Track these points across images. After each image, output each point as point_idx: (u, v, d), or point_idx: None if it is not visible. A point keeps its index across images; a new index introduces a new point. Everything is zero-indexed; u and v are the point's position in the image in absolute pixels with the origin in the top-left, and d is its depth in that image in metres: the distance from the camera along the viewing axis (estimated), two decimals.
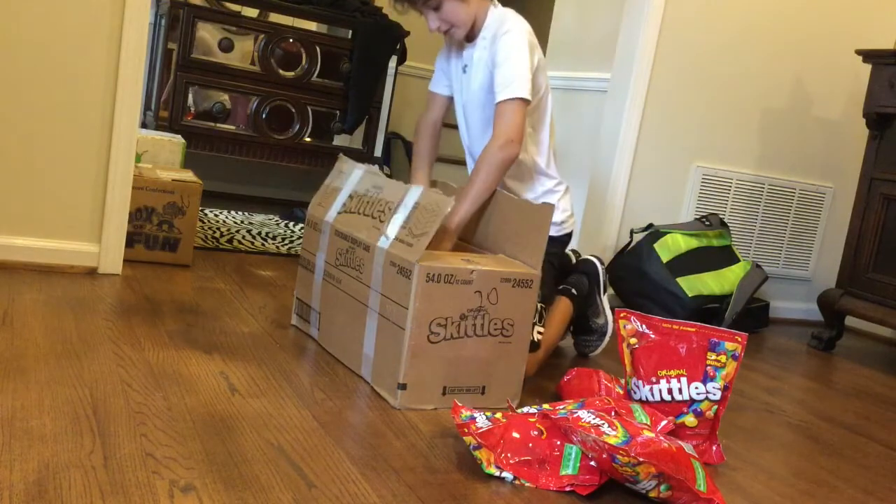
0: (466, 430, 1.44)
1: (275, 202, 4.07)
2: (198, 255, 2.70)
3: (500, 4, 2.11)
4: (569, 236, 2.23)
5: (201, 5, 3.56)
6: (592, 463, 1.42)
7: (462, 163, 2.32)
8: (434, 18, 2.07)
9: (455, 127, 2.31)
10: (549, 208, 1.81)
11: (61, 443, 1.27)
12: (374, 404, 1.68)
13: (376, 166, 2.15)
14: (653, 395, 1.65)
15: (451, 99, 2.26)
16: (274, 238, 3.23)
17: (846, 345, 3.14)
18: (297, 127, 3.62)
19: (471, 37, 2.11)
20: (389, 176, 2.17)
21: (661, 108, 3.06)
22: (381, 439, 1.51)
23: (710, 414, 1.63)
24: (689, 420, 1.64)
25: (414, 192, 1.79)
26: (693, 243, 2.98)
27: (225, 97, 3.50)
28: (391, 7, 2.16)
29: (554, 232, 2.13)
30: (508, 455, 1.43)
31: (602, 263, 2.34)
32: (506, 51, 1.99)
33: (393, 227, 1.76)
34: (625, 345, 1.70)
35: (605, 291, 2.31)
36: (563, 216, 2.18)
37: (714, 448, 1.66)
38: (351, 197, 1.98)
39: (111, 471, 1.21)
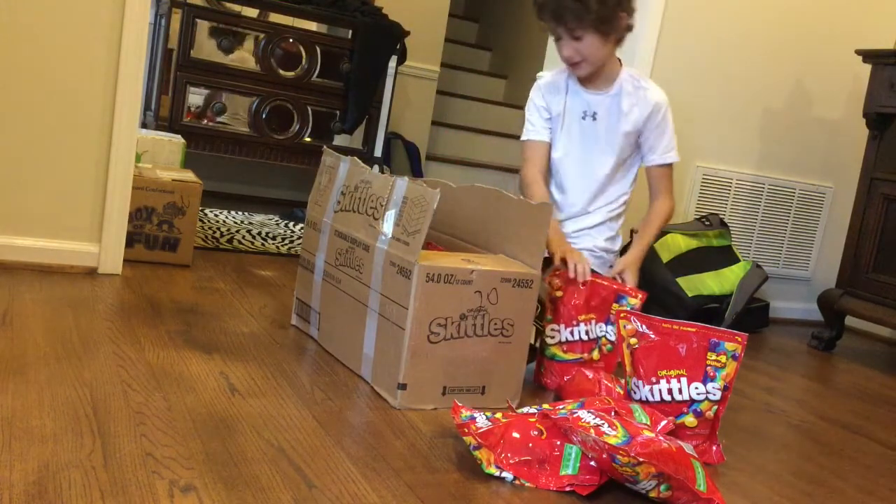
0: (466, 430, 1.44)
1: (275, 202, 4.07)
2: (198, 255, 2.70)
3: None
4: None
5: (201, 5, 3.56)
6: (592, 463, 1.42)
7: (462, 163, 2.32)
8: (570, 47, 2.05)
9: (460, 128, 2.32)
10: (548, 208, 1.82)
11: (61, 443, 1.27)
12: (374, 404, 1.68)
13: (377, 166, 2.16)
14: (653, 395, 1.66)
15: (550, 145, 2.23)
16: (274, 238, 3.23)
17: (846, 345, 3.14)
18: (297, 127, 3.62)
19: (593, 81, 2.14)
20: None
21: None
22: (381, 439, 1.51)
23: (710, 414, 1.64)
24: (689, 420, 1.64)
25: (400, 186, 1.78)
26: (693, 243, 2.98)
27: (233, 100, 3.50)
28: (540, 28, 2.12)
29: (602, 270, 2.19)
30: (508, 455, 1.43)
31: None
32: (667, 116, 2.16)
33: (388, 225, 1.77)
34: (625, 345, 1.70)
35: None
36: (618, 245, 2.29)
37: (714, 448, 1.66)
38: (343, 194, 1.98)
39: (111, 471, 1.21)
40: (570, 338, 1.97)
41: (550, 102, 2.19)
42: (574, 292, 1.96)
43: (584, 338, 1.97)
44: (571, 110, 2.18)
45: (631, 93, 2.14)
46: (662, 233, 2.95)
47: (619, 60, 2.17)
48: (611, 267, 2.18)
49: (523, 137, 2.24)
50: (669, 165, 2.20)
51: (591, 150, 2.17)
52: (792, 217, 3.42)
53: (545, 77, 2.24)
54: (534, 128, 2.21)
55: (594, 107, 2.16)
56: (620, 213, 2.24)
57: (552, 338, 1.97)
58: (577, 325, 1.96)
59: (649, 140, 2.17)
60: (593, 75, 2.13)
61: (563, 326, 1.97)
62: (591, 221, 2.20)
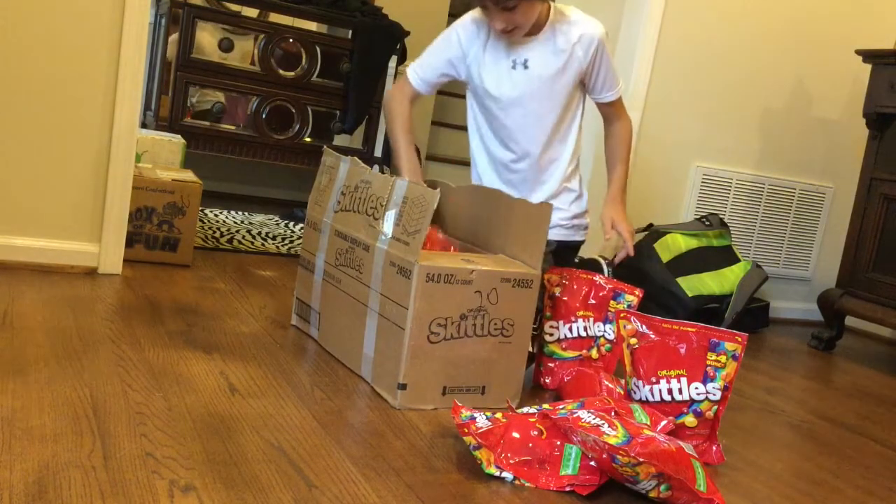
0: (466, 430, 1.44)
1: (275, 202, 4.07)
2: (198, 255, 2.70)
3: None
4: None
5: (201, 5, 3.56)
6: (592, 463, 1.42)
7: (462, 163, 2.31)
8: (503, 20, 1.93)
9: (460, 128, 2.31)
10: (548, 208, 1.81)
11: (61, 443, 1.27)
12: (374, 404, 1.68)
13: (377, 166, 2.16)
14: (653, 395, 1.66)
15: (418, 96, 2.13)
16: (274, 238, 3.23)
17: (846, 345, 3.14)
18: (297, 127, 3.62)
19: (529, 33, 2.01)
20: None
21: (661, 107, 3.05)
22: (381, 439, 1.51)
23: (710, 414, 1.64)
24: (689, 420, 1.64)
25: (401, 186, 1.78)
26: (693, 243, 2.98)
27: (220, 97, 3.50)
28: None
29: (581, 236, 2.17)
30: (508, 455, 1.43)
31: (611, 265, 2.34)
32: (606, 48, 2.07)
33: (388, 225, 1.77)
34: (625, 345, 1.70)
35: None
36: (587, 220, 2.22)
37: (714, 448, 1.66)
38: (343, 194, 1.98)
39: (111, 471, 1.21)
40: (568, 334, 1.96)
41: (465, 48, 2.05)
42: (572, 288, 1.96)
43: (583, 334, 1.96)
44: (500, 62, 2.04)
45: (566, 31, 2.02)
46: (661, 233, 2.95)
47: None
48: (586, 230, 2.17)
49: (410, 71, 2.10)
50: (619, 98, 2.15)
51: (530, 101, 2.04)
52: (792, 217, 3.42)
53: (461, 21, 2.07)
54: (422, 73, 2.09)
55: (522, 55, 2.02)
56: (574, 169, 2.15)
57: (551, 335, 1.97)
58: (576, 321, 1.96)
59: (597, 78, 2.08)
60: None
61: (561, 323, 1.96)
62: (547, 192, 2.11)
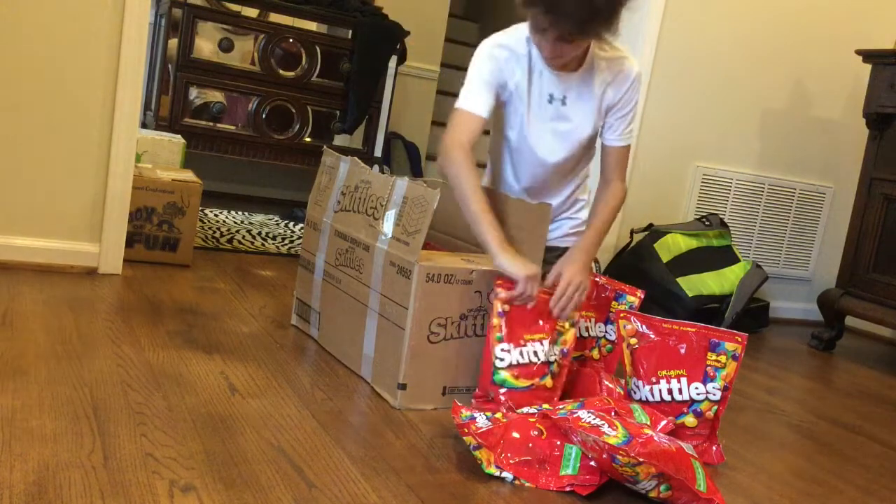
0: (466, 430, 1.44)
1: (275, 202, 4.07)
2: (198, 255, 2.70)
3: None
4: None
5: (201, 5, 3.56)
6: (592, 463, 1.42)
7: None
8: (556, 48, 1.75)
9: None
10: (546, 207, 1.81)
11: (61, 443, 1.27)
12: (374, 404, 1.68)
13: (377, 166, 2.14)
14: (653, 395, 1.66)
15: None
16: (274, 238, 3.23)
17: (846, 345, 3.14)
18: (297, 127, 3.62)
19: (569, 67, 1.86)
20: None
21: (661, 107, 3.05)
22: (381, 439, 1.51)
23: (710, 414, 1.64)
24: (689, 420, 1.64)
25: (400, 186, 1.78)
26: (693, 243, 2.98)
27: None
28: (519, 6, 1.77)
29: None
30: (508, 455, 1.43)
31: (598, 266, 2.33)
32: (637, 99, 1.91)
33: (388, 225, 1.76)
34: (625, 345, 1.70)
35: None
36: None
37: (714, 448, 1.66)
38: (343, 194, 1.98)
39: (111, 471, 1.21)
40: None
41: (508, 78, 1.86)
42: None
43: (584, 335, 1.90)
44: (535, 91, 1.88)
45: (604, 69, 1.87)
46: (661, 233, 2.95)
47: None
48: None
49: (459, 104, 1.85)
50: (628, 147, 1.96)
51: (552, 134, 1.91)
52: (792, 217, 3.42)
53: (502, 43, 1.87)
54: (476, 99, 1.84)
55: (563, 90, 1.88)
56: (585, 181, 2.07)
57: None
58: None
59: (615, 118, 1.91)
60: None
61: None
62: (563, 196, 2.02)
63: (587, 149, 1.99)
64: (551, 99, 1.89)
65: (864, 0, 3.32)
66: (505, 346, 1.66)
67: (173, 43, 3.40)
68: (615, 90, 1.89)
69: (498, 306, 1.66)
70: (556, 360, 1.71)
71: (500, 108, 1.93)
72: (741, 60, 3.16)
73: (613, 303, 1.93)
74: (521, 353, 1.67)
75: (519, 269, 1.66)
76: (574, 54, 1.81)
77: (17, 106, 2.18)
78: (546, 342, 1.70)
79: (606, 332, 1.94)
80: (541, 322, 1.70)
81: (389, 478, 1.35)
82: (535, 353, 1.68)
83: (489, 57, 1.86)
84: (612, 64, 1.88)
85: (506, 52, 1.86)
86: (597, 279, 1.95)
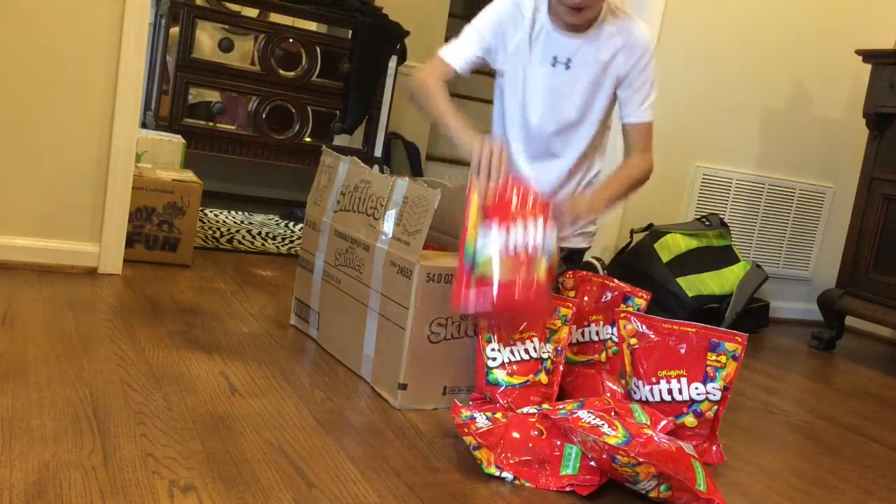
0: (466, 430, 1.44)
1: (275, 202, 4.07)
2: (198, 255, 2.70)
3: None
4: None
5: (201, 5, 3.55)
6: (592, 463, 1.42)
7: (462, 163, 2.30)
8: None
9: None
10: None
11: (61, 443, 1.27)
12: (374, 404, 1.68)
13: (377, 166, 2.13)
14: (653, 395, 1.66)
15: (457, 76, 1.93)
16: (274, 238, 3.23)
17: (846, 345, 3.14)
18: (297, 127, 3.62)
19: (581, 26, 1.82)
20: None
21: (660, 107, 3.04)
22: (381, 439, 1.51)
23: (710, 414, 1.64)
24: (689, 420, 1.64)
25: (401, 186, 1.78)
26: (693, 243, 2.98)
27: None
28: None
29: (587, 243, 2.11)
30: (508, 455, 1.43)
31: (604, 266, 2.33)
32: (653, 68, 1.86)
33: (388, 225, 1.76)
34: (625, 345, 1.70)
35: None
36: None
37: (714, 448, 1.66)
38: (342, 194, 1.98)
39: (111, 471, 1.21)
40: (580, 339, 1.84)
41: (507, 36, 1.85)
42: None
43: (595, 339, 1.89)
44: (541, 54, 1.85)
45: (614, 34, 1.83)
46: (661, 233, 2.95)
47: None
48: (593, 237, 2.05)
49: (442, 50, 1.90)
50: (650, 123, 1.91)
51: (554, 96, 1.86)
52: (792, 217, 3.42)
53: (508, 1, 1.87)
54: (457, 51, 1.89)
55: (569, 52, 1.83)
56: (595, 178, 2.01)
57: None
58: (588, 325, 1.85)
59: (631, 90, 1.86)
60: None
61: (574, 327, 1.82)
62: (565, 165, 1.94)
63: (590, 123, 1.91)
64: (554, 62, 1.85)
65: (864, 0, 3.32)
66: (495, 345, 1.66)
67: (173, 43, 3.40)
68: (626, 56, 1.84)
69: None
70: (549, 357, 1.70)
71: (499, 77, 1.93)
72: (741, 60, 3.16)
73: (622, 305, 1.92)
74: (513, 352, 1.67)
75: (473, 138, 1.68)
76: (599, 6, 1.78)
77: (16, 106, 2.18)
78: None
79: (612, 334, 1.92)
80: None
81: (389, 478, 1.35)
82: (527, 351, 1.68)
83: (494, 12, 1.89)
84: (622, 28, 1.84)
85: (512, 7, 1.87)
86: (607, 282, 1.93)
